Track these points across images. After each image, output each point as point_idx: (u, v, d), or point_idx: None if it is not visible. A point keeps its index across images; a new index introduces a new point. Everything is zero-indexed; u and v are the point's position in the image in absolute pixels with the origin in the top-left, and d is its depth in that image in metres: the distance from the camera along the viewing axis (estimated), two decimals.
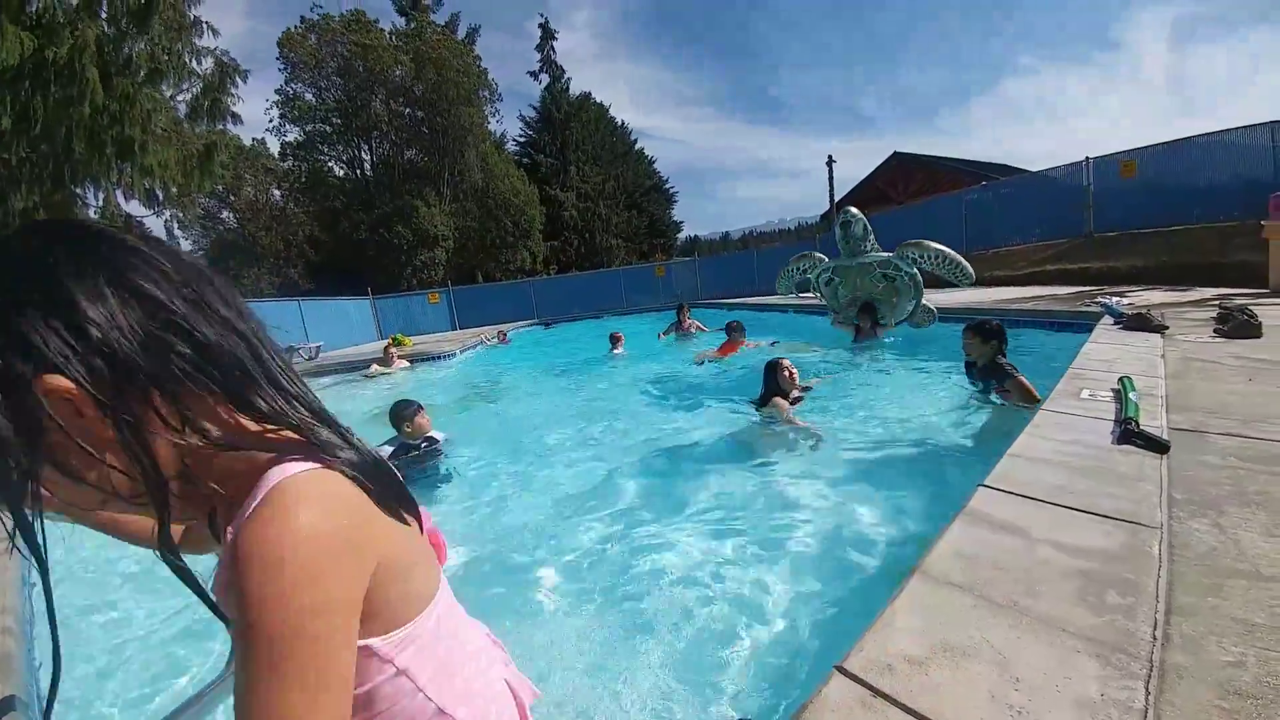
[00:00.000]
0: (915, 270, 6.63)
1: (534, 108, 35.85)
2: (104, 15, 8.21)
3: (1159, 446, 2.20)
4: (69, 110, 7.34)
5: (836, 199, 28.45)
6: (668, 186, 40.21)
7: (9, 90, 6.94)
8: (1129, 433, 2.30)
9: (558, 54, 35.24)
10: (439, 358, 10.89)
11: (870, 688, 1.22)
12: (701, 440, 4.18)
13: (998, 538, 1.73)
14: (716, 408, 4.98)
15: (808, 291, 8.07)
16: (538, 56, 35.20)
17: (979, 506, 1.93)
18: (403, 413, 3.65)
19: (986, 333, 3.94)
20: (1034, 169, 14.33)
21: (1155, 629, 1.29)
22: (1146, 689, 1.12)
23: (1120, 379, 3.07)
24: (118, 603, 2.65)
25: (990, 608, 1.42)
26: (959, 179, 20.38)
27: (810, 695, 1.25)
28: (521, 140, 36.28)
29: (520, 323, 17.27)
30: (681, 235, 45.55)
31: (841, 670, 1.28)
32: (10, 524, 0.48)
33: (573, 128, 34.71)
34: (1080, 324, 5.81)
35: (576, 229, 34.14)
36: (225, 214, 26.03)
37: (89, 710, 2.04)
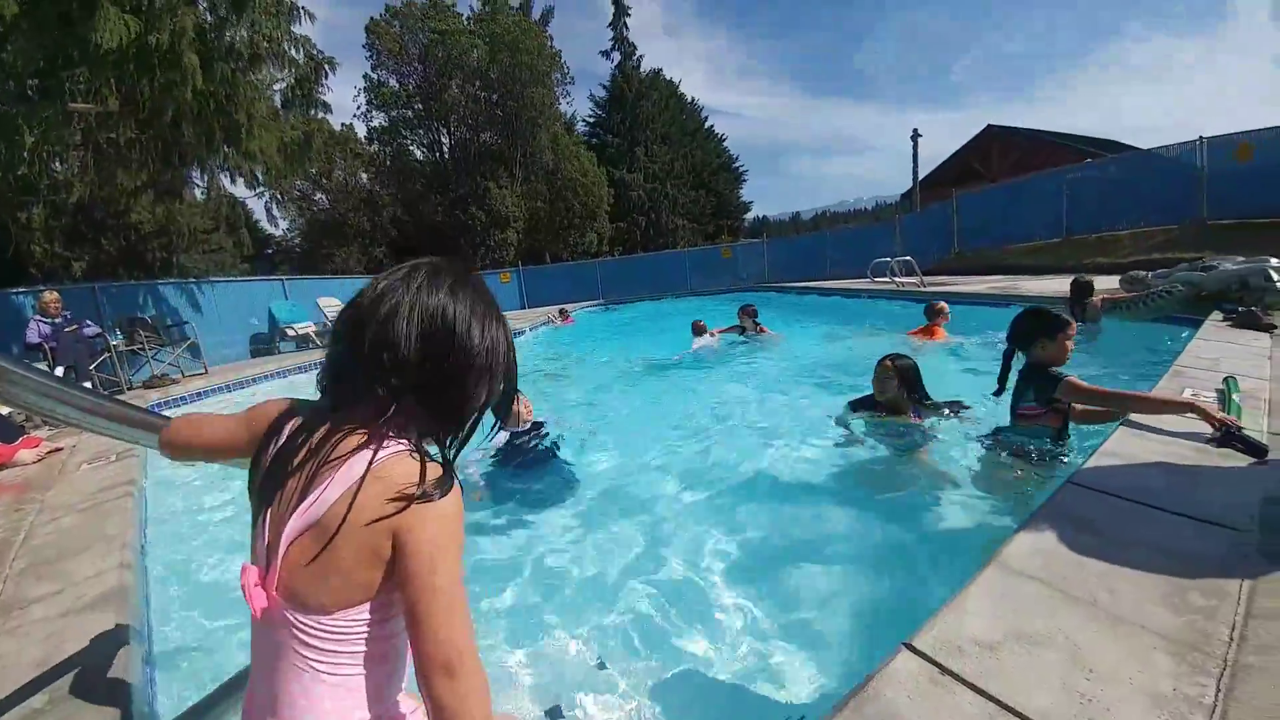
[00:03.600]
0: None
1: (604, 87, 35.76)
2: (203, 3, 8.32)
3: (1258, 451, 2.11)
4: (173, 94, 7.47)
5: (921, 176, 26.96)
6: (737, 165, 39.34)
7: (114, 72, 7.11)
8: (1229, 435, 2.21)
9: (630, 29, 34.96)
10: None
11: (939, 666, 1.27)
12: (781, 427, 4.17)
13: (1081, 534, 1.72)
14: (809, 396, 4.98)
15: None
16: (610, 34, 35.03)
17: (1065, 502, 1.92)
18: None
19: None
20: (1142, 146, 13.05)
21: (1233, 630, 1.31)
22: (1218, 686, 1.15)
23: (1225, 379, 2.91)
24: None
25: (1068, 601, 1.44)
26: (1060, 155, 18.76)
27: (876, 668, 1.29)
28: (590, 121, 36.32)
29: (585, 303, 17.62)
30: (749, 215, 44.50)
31: (910, 647, 1.33)
32: None
33: (643, 106, 34.37)
34: (1187, 319, 5.40)
35: (643, 210, 34.04)
36: (318, 195, 27.78)
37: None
